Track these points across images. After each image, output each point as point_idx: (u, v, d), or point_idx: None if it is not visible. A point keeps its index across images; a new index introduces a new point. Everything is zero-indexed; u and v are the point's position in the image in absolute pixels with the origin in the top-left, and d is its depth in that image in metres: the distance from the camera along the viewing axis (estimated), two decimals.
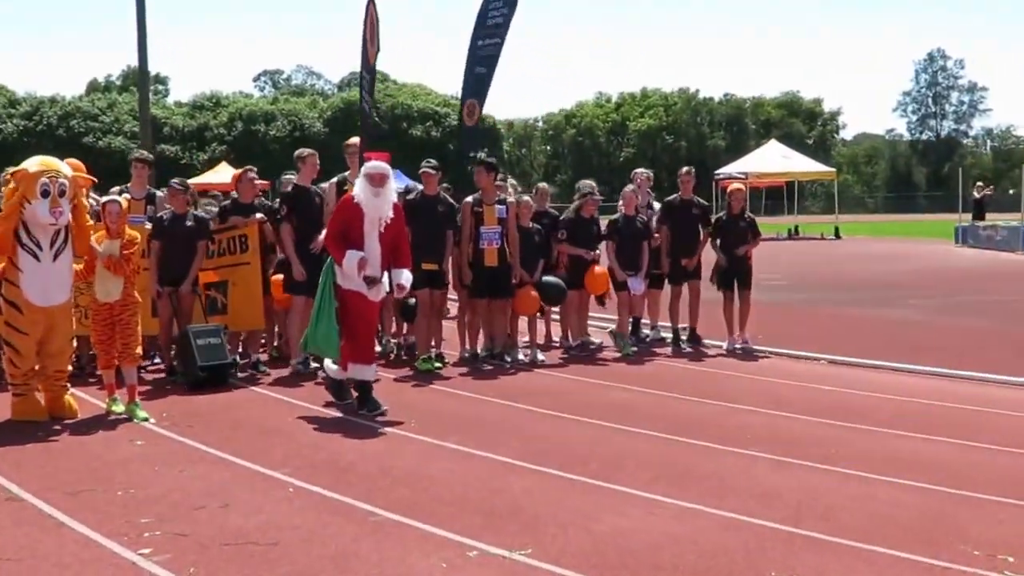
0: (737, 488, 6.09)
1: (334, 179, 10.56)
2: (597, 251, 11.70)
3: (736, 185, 12.55)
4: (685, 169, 12.49)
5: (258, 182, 11.27)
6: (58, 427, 7.81)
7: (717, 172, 43.62)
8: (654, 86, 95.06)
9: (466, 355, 10.93)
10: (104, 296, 8.10)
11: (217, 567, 4.76)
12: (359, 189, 8.39)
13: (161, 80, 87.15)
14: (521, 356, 11.04)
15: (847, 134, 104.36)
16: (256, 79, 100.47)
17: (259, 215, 10.43)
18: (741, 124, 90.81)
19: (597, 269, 11.46)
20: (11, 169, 8.31)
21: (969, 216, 34.87)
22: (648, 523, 5.44)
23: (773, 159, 45.19)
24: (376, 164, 8.57)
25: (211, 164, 48.47)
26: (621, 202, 11.90)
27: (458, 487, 6.14)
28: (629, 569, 4.74)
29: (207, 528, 5.31)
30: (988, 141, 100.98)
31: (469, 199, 10.82)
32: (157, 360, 10.46)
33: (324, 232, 9.62)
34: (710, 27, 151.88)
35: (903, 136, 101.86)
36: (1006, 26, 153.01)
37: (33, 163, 7.97)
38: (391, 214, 8.50)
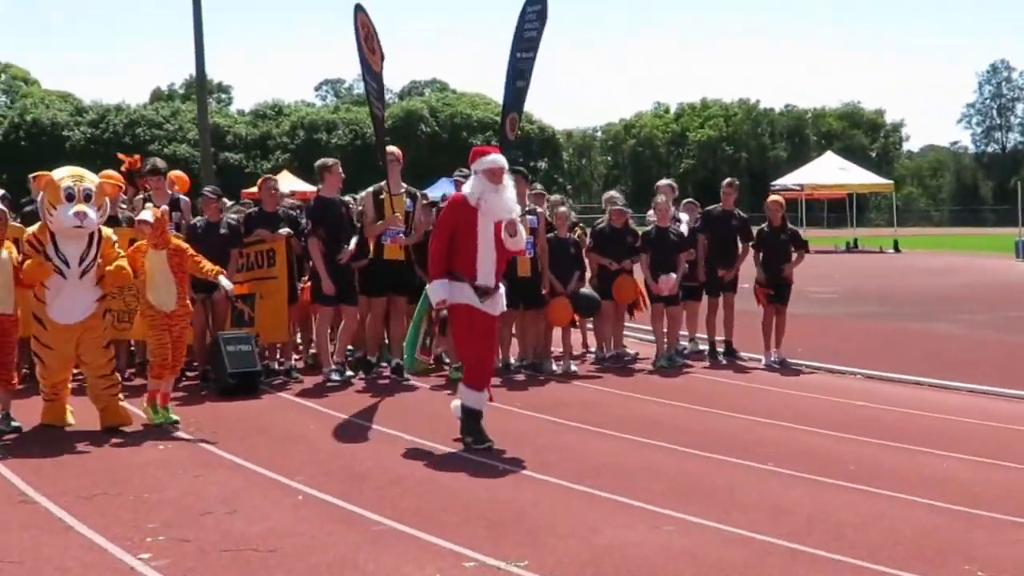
0: (747, 503, 6.01)
1: (370, 189, 10.60)
2: (628, 262, 11.60)
3: (773, 198, 12.34)
4: (727, 181, 12.43)
5: (309, 190, 11.49)
6: (83, 431, 7.94)
7: (773, 183, 43.20)
8: (714, 96, 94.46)
9: (499, 365, 10.88)
10: (159, 303, 8.19)
11: (214, 573, 4.81)
12: (474, 189, 7.44)
13: (224, 89, 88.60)
14: (554, 367, 11.03)
15: (912, 146, 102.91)
16: (318, 88, 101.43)
17: (286, 230, 10.47)
18: (802, 135, 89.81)
19: (623, 279, 11.41)
20: (35, 174, 8.34)
21: None
22: (650, 536, 5.39)
23: (830, 171, 44.64)
24: (494, 158, 7.53)
25: (274, 172, 49.07)
26: (652, 213, 11.82)
27: (466, 497, 6.15)
28: None
29: (211, 534, 5.37)
30: None
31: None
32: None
33: (353, 241, 9.79)
34: (771, 37, 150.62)
35: (968, 148, 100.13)
36: None
37: (59, 170, 8.00)
38: (518, 211, 7.84)
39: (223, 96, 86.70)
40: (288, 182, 31.94)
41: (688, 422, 8.54)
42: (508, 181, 7.59)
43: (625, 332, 12.15)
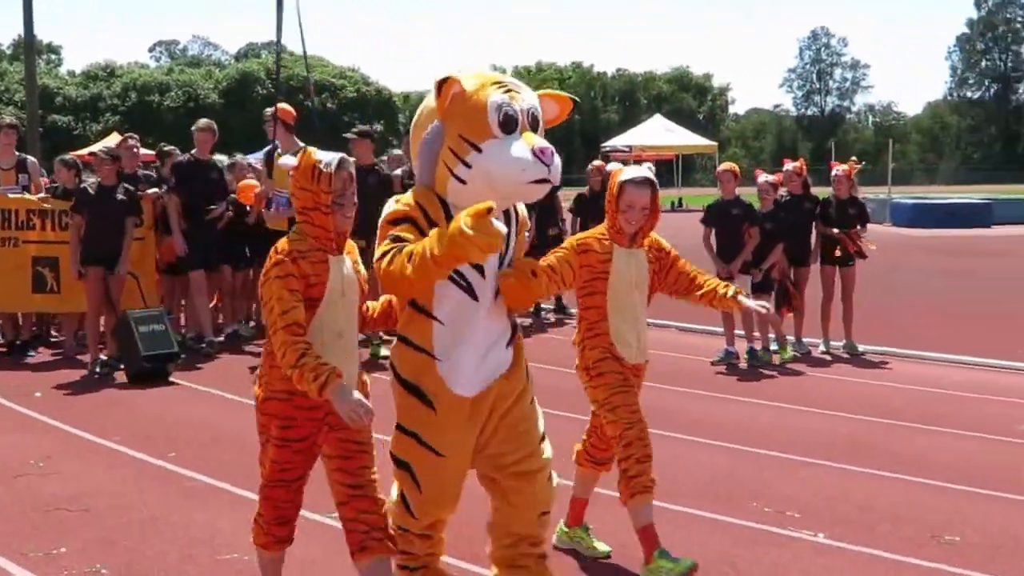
0: None
1: (267, 148, 10.00)
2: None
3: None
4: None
5: (144, 152, 11.01)
6: None
7: (604, 145, 44.25)
8: (548, 60, 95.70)
9: None
10: None
11: (26, 534, 4.90)
12: None
13: (54, 49, 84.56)
14: None
15: (738, 109, 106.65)
16: (151, 49, 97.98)
17: (153, 190, 10.11)
18: (633, 98, 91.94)
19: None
20: None
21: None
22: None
23: (657, 133, 45.98)
24: None
25: (104, 134, 47.31)
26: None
27: None
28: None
29: (24, 495, 5.44)
30: (870, 117, 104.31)
31: (398, 171, 10.14)
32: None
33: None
34: (604, 2, 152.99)
35: (789, 112, 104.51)
36: (887, 5, 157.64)
37: None
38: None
39: (53, 57, 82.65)
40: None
41: None
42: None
43: None
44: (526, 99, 3.67)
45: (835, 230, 9.99)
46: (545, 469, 3.87)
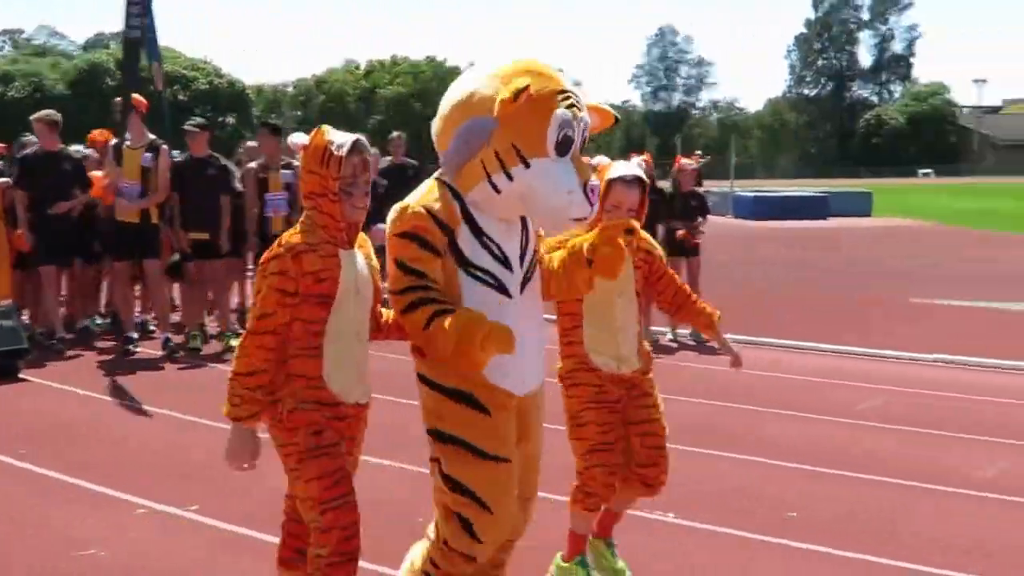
0: None
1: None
2: None
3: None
4: None
5: None
6: None
7: None
8: (403, 54, 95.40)
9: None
10: None
11: None
12: None
13: None
14: None
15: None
16: None
17: (3, 180, 9.74)
18: None
19: None
20: None
21: None
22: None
23: None
24: None
25: None
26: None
27: (134, 447, 6.35)
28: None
29: None
30: (714, 113, 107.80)
31: (253, 164, 10.06)
32: None
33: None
34: None
35: (638, 107, 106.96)
36: (731, 4, 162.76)
37: None
38: None
39: None
40: None
41: None
42: None
43: None
44: (584, 115, 3.29)
45: (677, 223, 10.45)
46: (536, 499, 3.60)
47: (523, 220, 3.38)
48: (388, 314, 3.50)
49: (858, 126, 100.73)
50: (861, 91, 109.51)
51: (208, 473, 5.62)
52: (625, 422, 4.10)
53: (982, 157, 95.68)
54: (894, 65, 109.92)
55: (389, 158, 12.80)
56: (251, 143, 12.06)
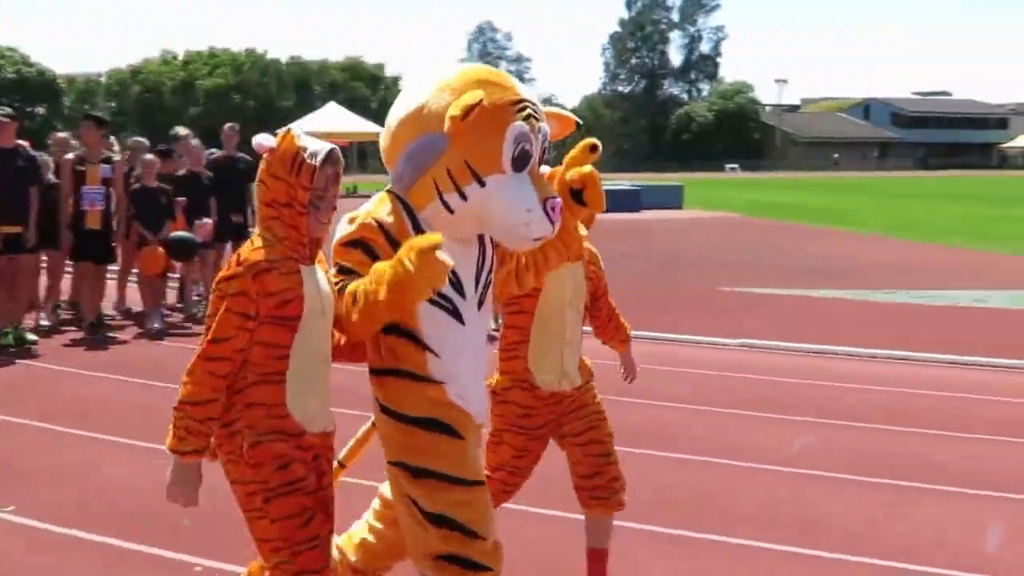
0: None
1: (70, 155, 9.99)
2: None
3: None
4: (229, 124, 12.06)
5: None
6: None
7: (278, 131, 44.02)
8: (222, 45, 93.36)
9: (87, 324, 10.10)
10: None
11: None
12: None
13: None
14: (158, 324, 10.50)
15: None
16: None
17: None
18: (307, 86, 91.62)
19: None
20: None
21: None
22: (143, 473, 5.59)
23: (333, 119, 46.37)
24: None
25: None
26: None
27: None
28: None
29: None
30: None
31: (70, 156, 9.91)
32: None
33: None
34: None
35: None
36: (548, 2, 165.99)
37: None
38: None
39: None
40: None
41: None
42: None
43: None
44: (544, 124, 3.05)
45: None
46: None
47: (481, 239, 3.15)
48: (338, 336, 3.16)
49: (669, 122, 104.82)
50: (672, 89, 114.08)
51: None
52: (561, 437, 4.00)
53: (784, 153, 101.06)
54: (702, 64, 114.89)
55: (214, 150, 12.24)
56: (60, 134, 11.80)
